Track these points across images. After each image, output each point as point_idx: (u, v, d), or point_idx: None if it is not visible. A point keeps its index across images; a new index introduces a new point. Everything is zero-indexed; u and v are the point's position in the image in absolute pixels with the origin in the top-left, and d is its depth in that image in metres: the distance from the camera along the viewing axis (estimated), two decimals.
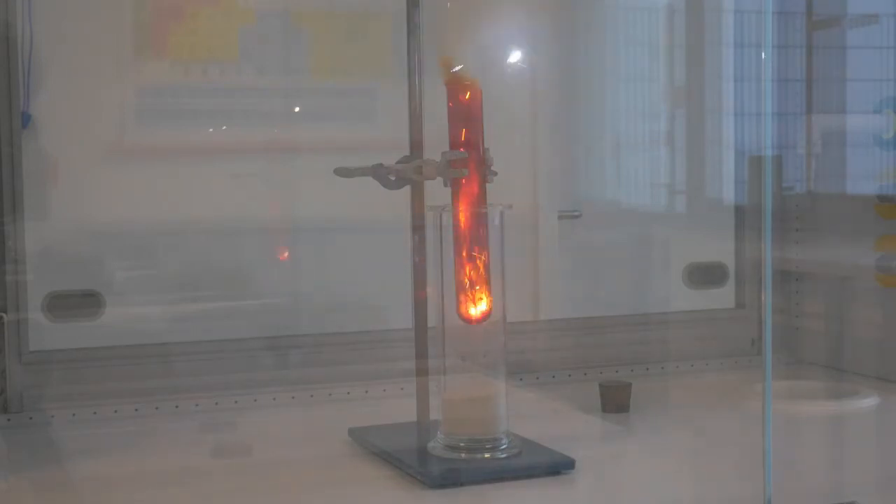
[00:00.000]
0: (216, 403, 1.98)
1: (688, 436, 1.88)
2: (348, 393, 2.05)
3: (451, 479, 1.57)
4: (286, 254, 2.11)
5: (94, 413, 1.92)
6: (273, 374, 2.04)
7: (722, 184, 2.46)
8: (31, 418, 1.90)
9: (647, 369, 2.20)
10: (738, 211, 2.36)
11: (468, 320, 1.63)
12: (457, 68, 1.62)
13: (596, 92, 2.35)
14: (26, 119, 1.91)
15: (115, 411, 1.93)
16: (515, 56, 1.85)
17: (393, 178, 1.69)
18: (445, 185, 1.65)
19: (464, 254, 1.63)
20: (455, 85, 1.64)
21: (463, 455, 1.61)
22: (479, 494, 1.56)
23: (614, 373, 2.16)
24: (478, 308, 1.63)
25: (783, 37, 2.36)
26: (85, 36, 1.97)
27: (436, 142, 1.68)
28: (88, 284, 1.97)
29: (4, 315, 1.89)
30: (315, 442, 1.82)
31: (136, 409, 1.94)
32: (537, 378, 2.13)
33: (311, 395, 2.03)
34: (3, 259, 1.89)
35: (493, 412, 1.64)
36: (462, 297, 1.63)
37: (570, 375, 2.17)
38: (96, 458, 1.75)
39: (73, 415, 1.91)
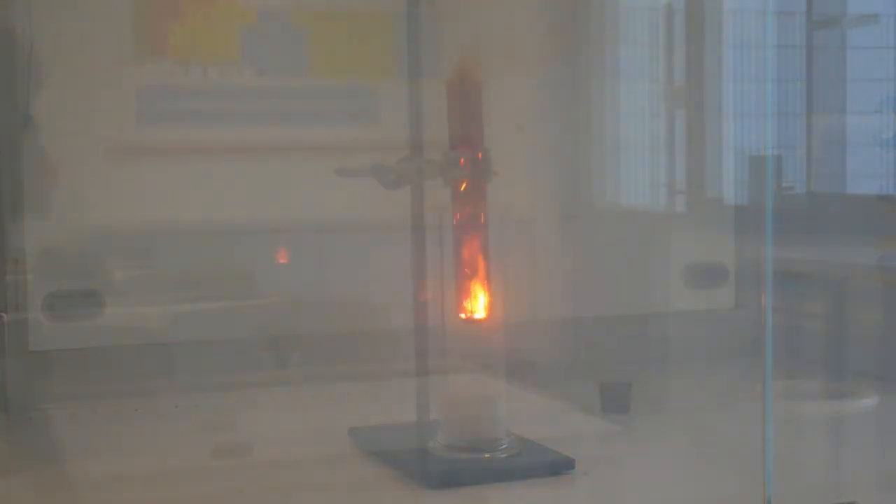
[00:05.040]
0: (216, 403, 1.98)
1: (687, 435, 1.88)
2: (348, 393, 2.05)
3: (451, 479, 1.57)
4: (285, 257, 2.11)
5: (94, 413, 1.92)
6: (273, 374, 2.04)
7: (722, 184, 2.46)
8: (31, 418, 1.90)
9: (647, 369, 2.20)
10: (739, 211, 2.36)
11: (468, 320, 1.63)
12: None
13: (596, 92, 2.35)
14: (25, 119, 1.91)
15: (115, 411, 1.93)
16: (515, 57, 1.85)
17: (393, 178, 1.69)
18: (445, 185, 1.65)
19: (464, 254, 1.63)
20: (455, 84, 1.64)
21: (463, 455, 1.61)
22: (479, 495, 1.56)
23: (614, 373, 2.16)
24: (478, 308, 1.63)
25: (783, 37, 2.36)
26: (85, 36, 1.97)
27: (436, 142, 1.68)
28: (88, 284, 1.97)
29: (4, 315, 1.89)
30: (315, 442, 1.82)
31: (136, 409, 1.94)
32: (537, 378, 2.12)
33: (312, 395, 2.03)
34: (3, 259, 1.89)
35: (493, 412, 1.64)
36: (462, 297, 1.63)
37: (570, 375, 2.17)
38: (96, 457, 1.75)
39: (74, 415, 1.91)
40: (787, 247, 2.33)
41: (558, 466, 1.60)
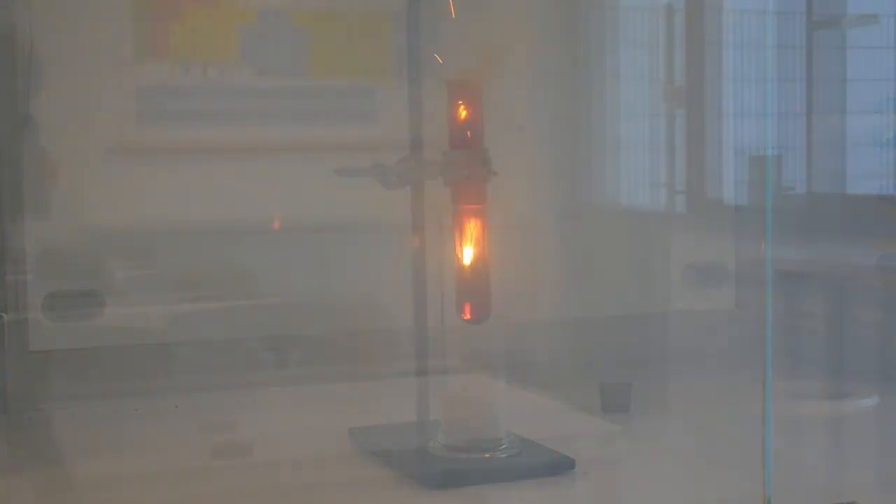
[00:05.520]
0: (216, 403, 1.98)
1: (688, 436, 1.88)
2: (348, 393, 2.05)
3: (451, 479, 1.57)
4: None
5: (94, 413, 1.92)
6: (273, 374, 2.04)
7: (722, 184, 2.46)
8: (31, 418, 1.90)
9: (648, 369, 2.20)
10: (739, 211, 2.36)
11: (468, 320, 1.63)
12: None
13: (596, 92, 2.35)
14: (25, 119, 1.91)
15: (115, 411, 1.93)
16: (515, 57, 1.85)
17: (393, 178, 1.69)
18: (445, 185, 1.65)
19: (464, 253, 1.63)
20: (455, 84, 1.64)
21: (463, 455, 1.61)
22: (479, 495, 1.56)
23: (614, 373, 2.16)
24: (478, 308, 1.63)
25: (783, 37, 2.36)
26: (85, 36, 1.97)
27: (436, 142, 1.68)
28: (88, 284, 1.97)
29: (4, 315, 1.89)
30: (315, 442, 1.82)
31: (136, 409, 1.94)
32: (537, 378, 2.12)
33: (312, 395, 2.03)
34: (3, 259, 1.89)
35: (493, 412, 1.64)
36: (462, 297, 1.63)
37: (570, 375, 2.17)
38: (96, 457, 1.75)
39: (74, 415, 1.91)
40: (788, 247, 2.34)
41: (558, 466, 1.60)
